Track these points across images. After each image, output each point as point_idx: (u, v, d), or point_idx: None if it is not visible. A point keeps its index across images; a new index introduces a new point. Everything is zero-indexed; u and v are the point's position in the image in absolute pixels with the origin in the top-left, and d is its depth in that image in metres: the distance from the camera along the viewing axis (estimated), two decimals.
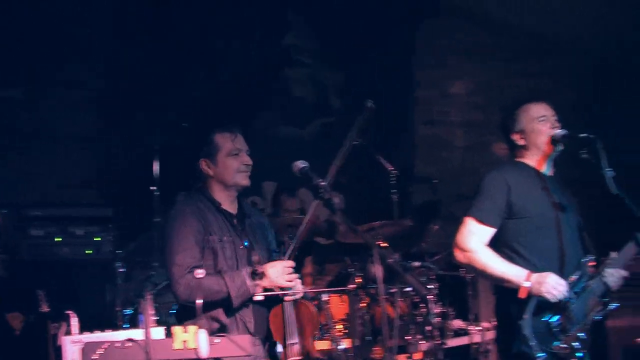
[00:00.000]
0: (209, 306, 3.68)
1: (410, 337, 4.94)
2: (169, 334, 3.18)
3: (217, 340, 3.08)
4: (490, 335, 5.10)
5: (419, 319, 4.97)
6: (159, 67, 6.53)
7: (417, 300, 4.89)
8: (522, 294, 3.68)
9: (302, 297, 3.96)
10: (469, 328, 5.28)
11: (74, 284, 5.80)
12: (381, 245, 4.03)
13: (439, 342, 4.90)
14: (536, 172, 3.98)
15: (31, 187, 6.34)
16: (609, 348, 5.31)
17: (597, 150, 3.75)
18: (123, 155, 6.54)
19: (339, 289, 4.91)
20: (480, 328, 5.26)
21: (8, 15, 6.18)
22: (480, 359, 5.27)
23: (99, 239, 5.84)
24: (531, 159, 4.00)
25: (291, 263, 3.82)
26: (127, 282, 5.76)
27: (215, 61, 6.81)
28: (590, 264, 3.84)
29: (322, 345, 4.65)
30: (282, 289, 3.79)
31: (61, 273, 5.80)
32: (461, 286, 5.62)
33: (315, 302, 4.75)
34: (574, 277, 3.76)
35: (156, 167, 5.78)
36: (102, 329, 3.32)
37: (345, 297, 4.97)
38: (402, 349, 4.99)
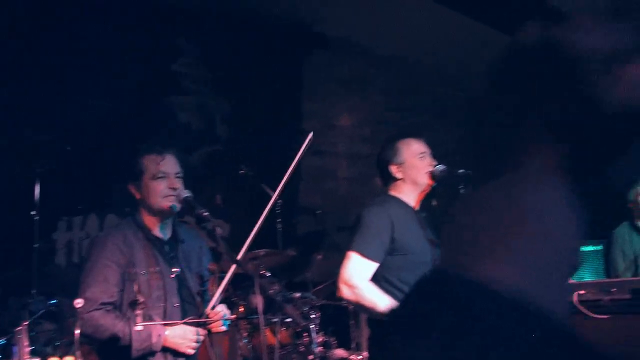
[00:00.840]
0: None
1: None
2: None
3: None
4: None
5: (302, 348, 5.00)
6: (42, 88, 6.37)
7: (299, 330, 4.92)
8: None
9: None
10: (350, 357, 5.35)
11: None
12: (263, 274, 4.05)
13: None
14: (411, 209, 4.06)
15: None
16: None
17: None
18: (2, 179, 6.33)
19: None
20: (361, 357, 5.34)
21: None
22: None
23: None
24: (406, 195, 4.07)
25: (195, 331, 3.67)
26: (2, 311, 5.58)
27: (100, 83, 6.69)
28: None
29: None
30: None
31: None
32: (343, 315, 5.69)
33: None
34: None
35: (37, 191, 5.63)
36: None
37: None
38: None
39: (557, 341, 1.68)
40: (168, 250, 3.82)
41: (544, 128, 1.80)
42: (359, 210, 4.03)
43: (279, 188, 3.58)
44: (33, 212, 5.56)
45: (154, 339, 3.58)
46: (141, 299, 3.57)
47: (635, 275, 5.82)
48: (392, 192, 4.10)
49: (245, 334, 4.84)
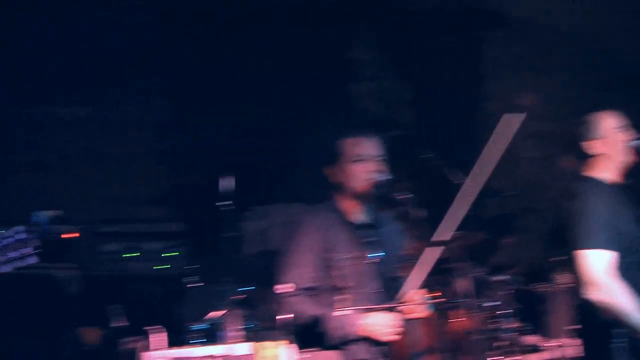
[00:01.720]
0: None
1: (488, 353, 4.82)
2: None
3: (306, 355, 3.05)
4: (571, 351, 4.96)
5: (496, 334, 4.86)
6: (224, 82, 6.56)
7: (497, 314, 4.78)
8: None
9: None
10: (547, 344, 5.15)
11: (146, 299, 5.87)
12: (465, 258, 3.93)
13: (519, 358, 4.78)
14: (615, 189, 3.84)
15: (102, 204, 6.42)
16: None
17: None
18: (193, 170, 6.58)
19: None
20: (559, 344, 5.12)
21: (69, 36, 6.29)
22: None
23: (172, 254, 5.90)
24: (606, 172, 3.86)
25: (393, 318, 3.60)
26: (198, 298, 5.79)
27: (279, 75, 6.80)
28: None
29: None
30: None
31: (133, 288, 5.88)
32: (536, 301, 5.50)
33: None
34: None
35: (228, 181, 5.80)
36: (179, 344, 3.33)
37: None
38: None
39: None
40: (367, 235, 3.74)
41: None
42: (570, 205, 3.80)
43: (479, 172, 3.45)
44: (224, 202, 5.74)
45: (353, 326, 3.54)
46: (341, 285, 3.55)
47: None
48: (591, 172, 3.90)
49: (439, 319, 4.76)
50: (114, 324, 5.43)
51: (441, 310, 4.52)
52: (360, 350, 3.50)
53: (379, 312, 3.59)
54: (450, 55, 7.28)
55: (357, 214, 3.83)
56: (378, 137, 3.91)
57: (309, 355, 3.11)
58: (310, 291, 3.65)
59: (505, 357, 4.80)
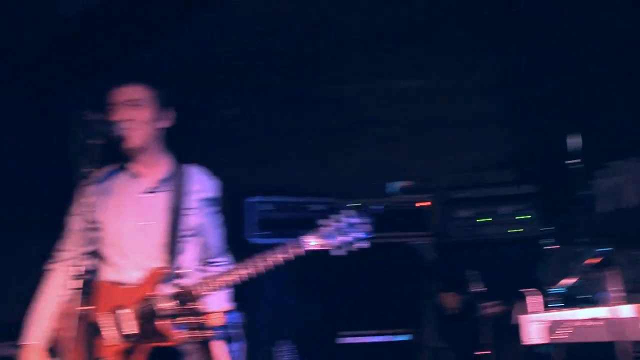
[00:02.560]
0: None
1: None
2: None
3: None
4: None
5: None
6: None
7: None
8: None
9: None
10: None
11: (502, 263, 5.82)
12: None
13: None
14: None
15: (452, 171, 6.48)
16: None
17: None
18: (537, 130, 6.38)
19: None
20: None
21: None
22: None
23: (524, 217, 5.79)
24: None
25: None
26: (555, 260, 5.61)
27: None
28: None
29: None
30: None
31: (488, 253, 5.86)
32: None
33: None
34: None
35: (575, 138, 5.55)
36: (561, 307, 3.22)
37: None
38: None
39: None
40: None
41: None
42: None
43: None
44: (572, 161, 5.50)
45: None
46: None
47: None
48: None
49: None
50: (472, 289, 5.45)
51: None
52: None
53: None
54: None
55: None
56: None
57: None
58: None
59: None
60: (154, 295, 3.50)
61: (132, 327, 3.51)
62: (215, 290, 3.48)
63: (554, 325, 3.04)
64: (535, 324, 3.10)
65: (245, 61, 6.42)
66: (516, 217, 5.82)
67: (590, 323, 3.01)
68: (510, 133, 6.48)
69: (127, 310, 3.53)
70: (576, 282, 4.27)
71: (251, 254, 5.54)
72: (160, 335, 3.47)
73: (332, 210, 5.82)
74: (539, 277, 5.62)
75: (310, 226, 5.49)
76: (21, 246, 6.10)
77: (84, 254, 3.14)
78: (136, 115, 3.63)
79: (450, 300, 5.74)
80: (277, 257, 3.43)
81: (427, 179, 6.24)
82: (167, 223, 3.65)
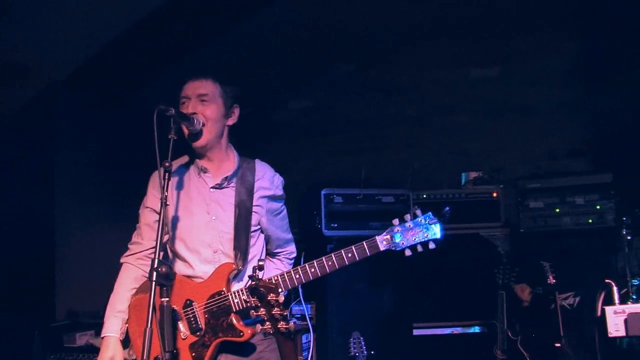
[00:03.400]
0: None
1: None
2: None
3: None
4: None
5: None
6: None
7: None
8: None
9: None
10: None
11: (576, 254, 5.72)
12: None
13: None
14: None
15: (525, 161, 6.41)
16: None
17: None
18: (612, 118, 6.24)
19: None
20: None
21: None
22: None
23: (600, 207, 5.68)
24: None
25: None
26: (635, 252, 5.49)
27: None
28: None
29: None
30: None
31: (563, 244, 5.77)
32: None
33: None
34: None
35: None
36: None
37: None
38: None
39: None
40: None
41: None
42: None
43: None
44: None
45: None
46: None
47: None
48: None
49: None
50: (548, 280, 5.39)
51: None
52: None
53: None
54: None
55: None
56: None
57: None
58: None
59: None
60: (224, 291, 3.56)
61: (200, 322, 3.57)
62: (292, 285, 3.52)
63: (634, 318, 2.98)
64: (619, 316, 3.04)
65: (316, 52, 6.47)
66: (594, 207, 5.70)
67: None
68: (585, 120, 6.37)
69: (196, 305, 3.60)
70: None
71: (324, 245, 5.59)
72: (228, 330, 3.52)
73: (404, 205, 5.82)
74: (619, 268, 5.50)
75: (381, 218, 5.50)
76: (100, 240, 6.26)
77: (156, 247, 3.21)
78: (205, 111, 3.68)
79: (524, 292, 5.68)
80: (343, 260, 3.45)
81: (500, 169, 6.17)
82: (234, 218, 3.69)
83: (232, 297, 3.53)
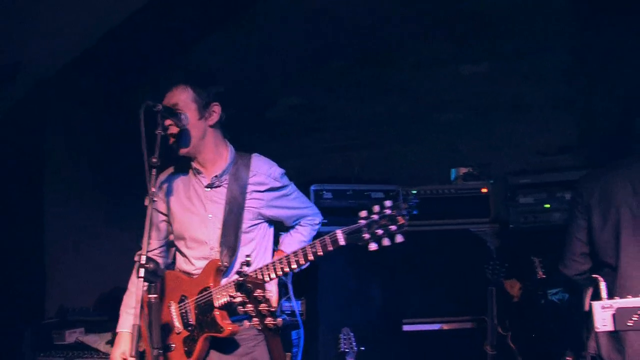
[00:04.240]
0: None
1: None
2: None
3: None
4: None
5: None
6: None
7: None
8: None
9: None
10: None
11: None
12: None
13: None
14: None
15: (514, 156, 6.41)
16: None
17: None
18: (602, 115, 6.25)
19: None
20: None
21: None
22: None
23: None
24: None
25: None
26: None
27: None
28: None
29: None
30: None
31: (553, 239, 5.77)
32: None
33: None
34: None
35: None
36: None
37: None
38: None
39: None
40: None
41: None
42: None
43: None
44: None
45: None
46: None
47: None
48: None
49: None
50: (538, 276, 5.39)
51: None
52: None
53: None
54: None
55: None
56: None
57: None
58: None
59: None
60: (211, 287, 3.57)
61: (190, 317, 3.59)
62: (276, 276, 3.53)
63: (625, 313, 2.99)
64: (607, 311, 3.04)
65: (309, 49, 6.48)
66: None
67: None
68: (575, 117, 6.38)
69: (188, 300, 3.61)
70: None
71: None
72: (212, 325, 3.53)
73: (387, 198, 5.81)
74: None
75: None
76: (89, 238, 6.26)
77: (144, 245, 3.23)
78: (177, 122, 3.68)
79: (514, 288, 5.69)
80: (308, 253, 3.42)
81: (490, 165, 6.17)
82: (224, 215, 3.72)
83: (215, 293, 3.55)
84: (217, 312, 3.53)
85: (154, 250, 3.84)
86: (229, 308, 3.53)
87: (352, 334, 5.09)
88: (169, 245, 3.94)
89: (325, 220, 5.69)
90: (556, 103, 6.42)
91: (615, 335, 3.70)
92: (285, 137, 6.97)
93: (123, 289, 3.98)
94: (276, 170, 3.93)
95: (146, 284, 3.22)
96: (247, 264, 3.30)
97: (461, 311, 5.88)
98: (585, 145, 6.26)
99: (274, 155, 4.03)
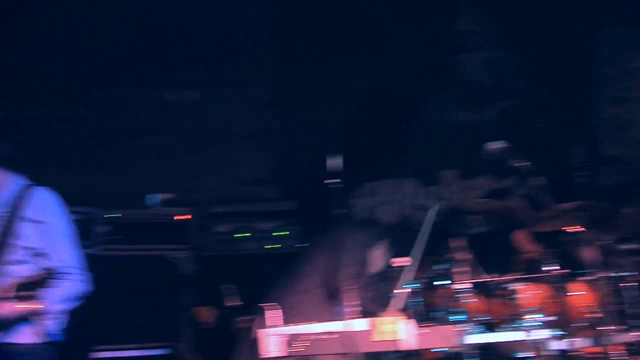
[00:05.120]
0: None
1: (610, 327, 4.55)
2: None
3: (425, 330, 2.99)
4: None
5: (621, 307, 4.58)
6: (324, 60, 6.50)
7: (620, 287, 4.51)
8: None
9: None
10: None
11: (261, 278, 5.89)
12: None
13: None
14: None
15: (212, 186, 6.51)
16: None
17: None
18: (299, 149, 6.55)
19: (536, 275, 4.54)
20: None
21: (181, 23, 6.35)
22: None
23: (282, 233, 5.91)
24: None
25: None
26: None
27: (381, 48, 6.68)
28: None
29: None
30: None
31: (248, 267, 5.92)
32: None
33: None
34: None
35: (335, 159, 5.74)
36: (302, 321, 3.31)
37: (541, 285, 4.63)
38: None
39: None
40: None
41: None
42: None
43: None
44: (332, 180, 5.69)
45: None
46: None
47: None
48: None
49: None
50: (228, 303, 5.49)
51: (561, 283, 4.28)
52: None
53: None
54: (562, 23, 6.95)
55: None
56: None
57: (427, 329, 3.03)
58: None
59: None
60: None
61: None
62: None
63: (292, 339, 3.12)
64: (274, 338, 3.16)
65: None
66: (274, 233, 5.93)
67: (326, 336, 3.12)
68: (272, 150, 6.64)
69: None
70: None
71: None
72: None
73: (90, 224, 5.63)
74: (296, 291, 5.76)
75: None
76: None
77: None
78: None
79: (206, 314, 5.74)
80: None
81: (188, 192, 6.21)
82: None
83: None
84: None
85: None
86: None
87: None
88: None
89: None
90: (258, 135, 6.63)
91: None
92: None
93: None
94: (54, 206, 3.86)
95: None
96: None
97: (154, 338, 5.80)
98: (282, 177, 6.52)
99: None
